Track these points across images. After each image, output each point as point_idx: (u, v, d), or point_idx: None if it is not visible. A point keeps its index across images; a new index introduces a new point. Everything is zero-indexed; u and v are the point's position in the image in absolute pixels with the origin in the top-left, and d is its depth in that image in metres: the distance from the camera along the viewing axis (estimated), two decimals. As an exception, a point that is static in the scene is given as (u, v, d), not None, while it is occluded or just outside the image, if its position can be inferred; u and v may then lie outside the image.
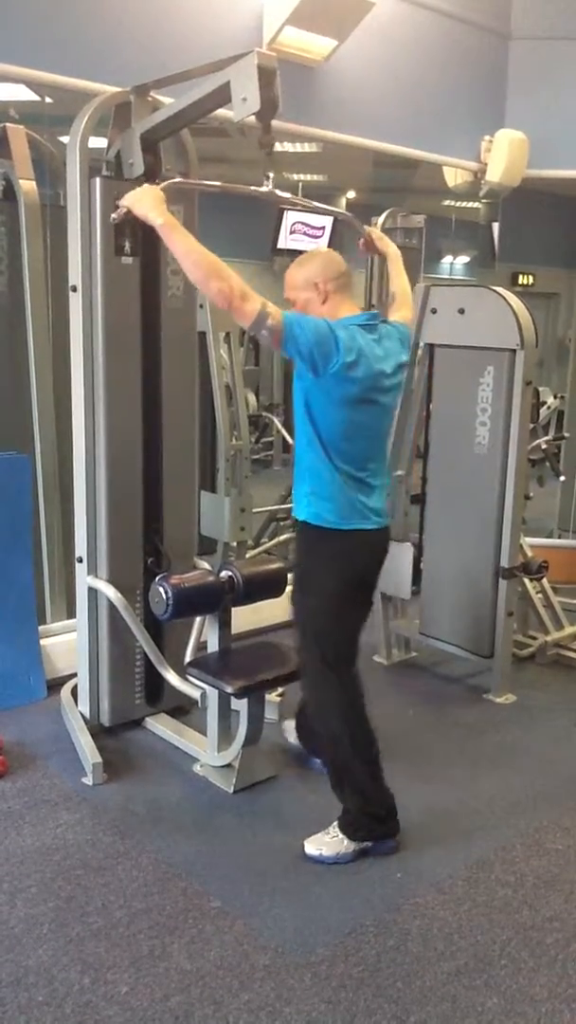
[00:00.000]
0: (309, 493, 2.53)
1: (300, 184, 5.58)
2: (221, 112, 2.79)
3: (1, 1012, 2.00)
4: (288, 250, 5.38)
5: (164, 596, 2.80)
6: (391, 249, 2.95)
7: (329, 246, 5.68)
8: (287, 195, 2.73)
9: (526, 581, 3.97)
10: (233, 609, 3.01)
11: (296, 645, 2.72)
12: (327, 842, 2.60)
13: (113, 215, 2.46)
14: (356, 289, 5.61)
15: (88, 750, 3.00)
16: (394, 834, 2.64)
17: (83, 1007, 2.02)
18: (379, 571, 2.69)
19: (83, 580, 3.15)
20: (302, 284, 2.51)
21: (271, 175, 2.58)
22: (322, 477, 2.49)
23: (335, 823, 2.62)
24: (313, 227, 5.64)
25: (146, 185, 2.44)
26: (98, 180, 2.90)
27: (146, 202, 2.35)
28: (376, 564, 2.67)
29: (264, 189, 2.60)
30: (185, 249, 2.29)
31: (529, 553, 3.89)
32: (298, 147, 4.74)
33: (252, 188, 2.67)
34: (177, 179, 2.71)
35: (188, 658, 3.12)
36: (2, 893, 2.40)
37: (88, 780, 2.95)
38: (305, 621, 2.64)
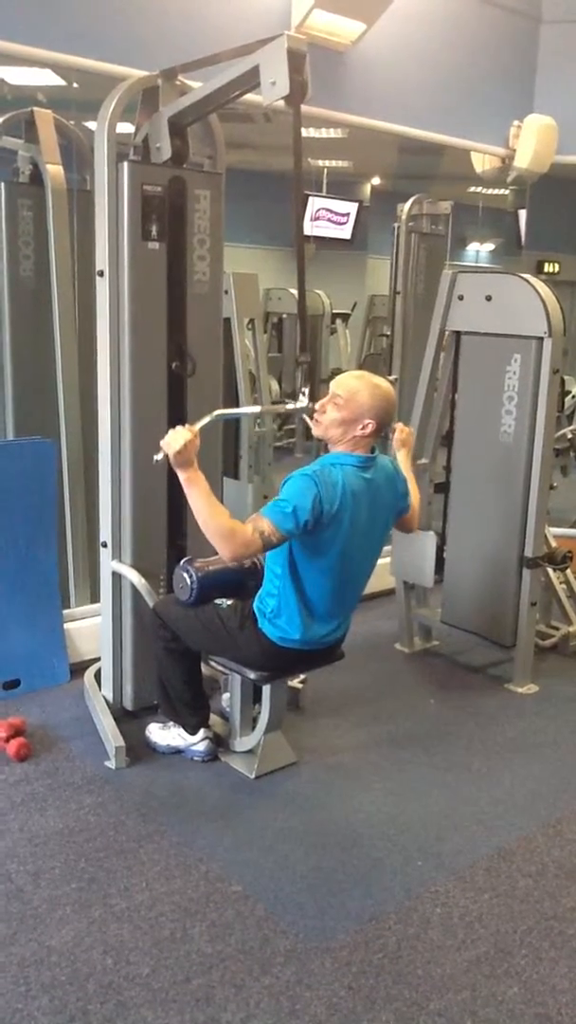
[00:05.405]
0: (268, 610, 2.73)
1: (325, 170, 5.53)
2: (248, 97, 2.78)
3: (25, 990, 2.03)
4: (312, 236, 5.34)
5: (188, 581, 2.81)
6: (403, 457, 3.08)
7: (353, 234, 5.64)
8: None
9: (550, 571, 3.95)
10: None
11: (172, 616, 2.89)
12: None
13: (157, 456, 2.55)
14: (380, 275, 5.66)
15: (111, 734, 3.02)
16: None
17: (105, 987, 2.05)
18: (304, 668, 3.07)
19: (107, 565, 3.17)
20: (360, 409, 2.59)
21: (306, 390, 2.68)
22: (284, 597, 2.69)
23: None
24: (338, 213, 5.59)
25: (186, 429, 2.52)
26: (126, 165, 2.89)
27: (180, 457, 2.49)
28: (300, 666, 2.99)
29: (300, 405, 2.69)
30: (202, 504, 2.51)
31: (553, 543, 3.87)
32: (323, 132, 4.70)
33: (288, 405, 2.81)
34: (216, 413, 2.80)
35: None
36: (26, 874, 2.43)
37: (111, 764, 2.97)
38: (201, 620, 2.82)
